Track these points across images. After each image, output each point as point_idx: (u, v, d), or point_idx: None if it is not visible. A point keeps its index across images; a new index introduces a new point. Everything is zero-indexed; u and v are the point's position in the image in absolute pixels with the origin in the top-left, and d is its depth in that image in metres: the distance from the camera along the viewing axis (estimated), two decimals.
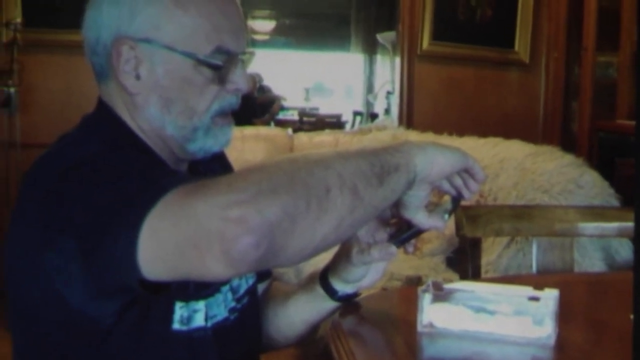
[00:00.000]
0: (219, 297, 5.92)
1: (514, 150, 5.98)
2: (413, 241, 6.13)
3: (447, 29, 5.85)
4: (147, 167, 5.65)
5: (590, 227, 6.44)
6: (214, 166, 6.12)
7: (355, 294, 6.27)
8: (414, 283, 6.15)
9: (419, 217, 5.95)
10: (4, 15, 5.67)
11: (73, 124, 5.91)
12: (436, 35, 5.76)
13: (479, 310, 6.27)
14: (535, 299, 6.29)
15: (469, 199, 6.20)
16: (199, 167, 6.05)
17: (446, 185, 5.99)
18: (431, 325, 6.27)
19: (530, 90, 6.77)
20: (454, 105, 6.67)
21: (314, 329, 6.24)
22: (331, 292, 6.18)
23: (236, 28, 6.04)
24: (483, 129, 6.21)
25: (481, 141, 5.93)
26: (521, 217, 6.39)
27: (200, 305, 5.90)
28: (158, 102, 5.84)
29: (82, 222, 5.37)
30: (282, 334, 6.34)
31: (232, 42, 5.99)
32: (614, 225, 6.42)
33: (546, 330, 6.23)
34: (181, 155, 5.93)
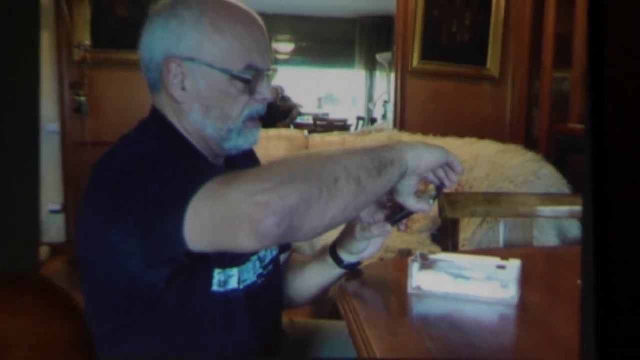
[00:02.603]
0: (249, 265, 6.00)
1: (486, 149, 5.99)
2: (405, 221, 6.22)
3: (432, 51, 5.82)
4: (191, 162, 5.85)
5: (547, 210, 6.47)
6: (245, 161, 6.17)
7: (358, 263, 6.34)
8: (405, 254, 6.18)
9: (410, 202, 6.09)
10: (76, 38, 5.66)
11: (132, 127, 5.97)
12: (424, 56, 5.73)
13: (457, 276, 6.32)
14: (502, 267, 6.35)
15: (449, 188, 6.26)
16: (232, 161, 6.08)
17: (431, 176, 6.12)
18: (419, 288, 6.32)
19: (499, 100, 6.71)
20: (438, 112, 6.62)
21: (325, 291, 6.27)
22: (339, 262, 6.26)
23: (263, 49, 6.16)
24: (461, 131, 6.18)
25: (460, 141, 5.93)
26: (491, 202, 6.42)
27: (234, 271, 6.02)
28: (200, 109, 5.95)
29: (139, 207, 5.54)
30: (299, 295, 6.37)
31: (260, 60, 6.08)
32: (566, 209, 6.44)
33: (511, 293, 6.29)
34: (218, 152, 6.02)
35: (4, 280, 2.49)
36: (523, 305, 6.39)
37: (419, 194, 6.13)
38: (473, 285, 6.34)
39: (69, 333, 2.47)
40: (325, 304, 6.09)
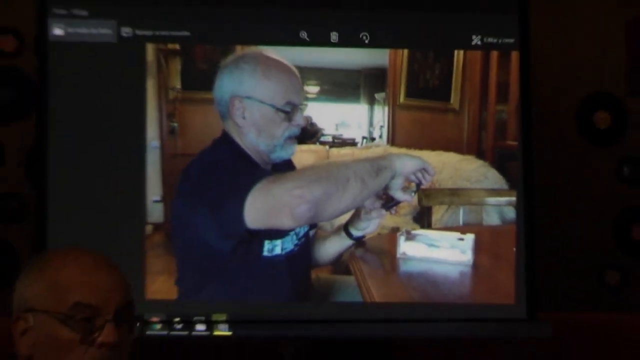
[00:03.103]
0: (288, 237, 6.09)
1: (450, 158, 6.06)
2: (394, 207, 6.29)
3: (413, 91, 5.91)
4: (248, 167, 6.05)
5: (492, 200, 6.56)
6: (285, 167, 6.20)
7: (363, 237, 6.34)
8: (395, 231, 6.22)
9: (398, 194, 6.23)
10: (170, 83, 5.76)
11: (207, 144, 6.04)
12: (407, 95, 5.82)
13: (430, 245, 6.42)
14: (461, 239, 6.43)
15: (425, 185, 6.33)
16: (277, 167, 6.13)
17: (412, 177, 6.24)
18: (404, 254, 6.40)
19: (459, 125, 6.75)
20: (417, 133, 6.67)
21: (340, 255, 6.26)
22: (349, 235, 6.29)
23: (297, 90, 6.30)
24: (433, 146, 6.24)
25: (432, 153, 6.00)
26: (454, 195, 6.51)
27: (278, 242, 6.10)
28: (254, 132, 6.03)
29: (213, 198, 5.89)
30: (322, 259, 6.35)
31: (295, 98, 6.20)
32: (505, 199, 6.53)
33: (467, 257, 6.41)
34: (267, 161, 6.09)
35: (70, 249, 2.54)
36: (475, 265, 6.46)
37: (404, 189, 6.23)
38: (441, 251, 6.43)
39: (109, 280, 2.50)
40: (340, 264, 6.13)
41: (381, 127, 6.55)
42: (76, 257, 2.55)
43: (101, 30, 6.32)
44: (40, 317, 2.39)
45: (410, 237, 6.44)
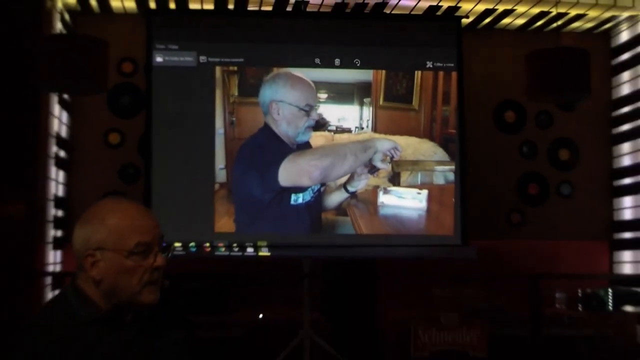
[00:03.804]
0: (308, 191, 6.04)
1: (412, 141, 5.87)
2: (376, 172, 6.10)
3: (389, 97, 5.78)
4: (281, 146, 5.95)
5: (439, 168, 6.37)
6: (305, 146, 6.01)
7: (355, 191, 6.16)
8: (376, 188, 6.03)
9: (379, 164, 6.19)
10: (230, 92, 5.61)
11: (254, 131, 5.91)
12: (385, 99, 5.69)
13: (399, 197, 6.20)
14: (419, 193, 6.21)
15: (396, 158, 6.13)
16: (300, 146, 5.98)
17: (388, 153, 6.15)
18: (382, 203, 6.21)
19: (418, 119, 6.53)
20: (392, 124, 6.46)
21: (341, 204, 6.10)
22: (347, 190, 6.17)
23: (314, 96, 6.20)
24: (401, 133, 6.08)
25: (401, 137, 5.83)
26: (415, 164, 6.31)
27: (300, 195, 6.04)
28: (285, 123, 5.99)
29: (259, 166, 5.88)
30: (329, 206, 6.18)
31: (312, 101, 6.14)
32: (447, 167, 6.31)
33: (423, 205, 6.18)
34: (293, 142, 6.00)
35: (115, 201, 2.30)
36: (428, 210, 6.29)
37: (383, 160, 6.13)
38: (406, 201, 6.27)
39: (151, 222, 2.26)
40: (341, 209, 5.93)
41: (367, 120, 6.34)
42: (125, 207, 2.32)
43: (186, 58, 6.26)
44: (108, 254, 2.23)
45: (386, 192, 6.30)
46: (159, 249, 2.29)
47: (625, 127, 7.66)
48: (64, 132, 7.20)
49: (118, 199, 2.36)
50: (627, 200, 7.64)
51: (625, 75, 7.69)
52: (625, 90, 7.68)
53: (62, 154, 7.15)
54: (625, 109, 7.66)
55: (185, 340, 2.42)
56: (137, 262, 2.23)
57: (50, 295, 6.85)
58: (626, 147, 7.66)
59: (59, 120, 7.08)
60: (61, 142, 7.11)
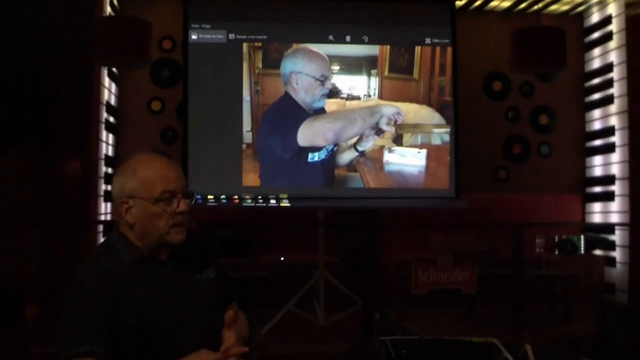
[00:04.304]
0: (322, 151, 5.94)
1: (413, 107, 5.79)
2: (382, 134, 6.11)
3: (393, 69, 5.69)
4: (300, 112, 5.88)
5: (436, 130, 6.30)
6: (320, 111, 5.96)
7: (364, 151, 6.08)
8: (382, 147, 5.96)
9: (384, 127, 6.11)
10: (255, 65, 5.56)
11: (277, 99, 5.85)
12: (389, 71, 5.60)
13: (402, 155, 6.11)
14: (419, 152, 6.12)
15: (399, 122, 6.06)
16: (316, 111, 5.96)
17: (392, 117, 6.06)
18: (387, 161, 6.11)
19: (418, 88, 6.41)
20: (395, 92, 6.34)
21: (351, 161, 6.04)
22: (356, 150, 6.09)
23: (328, 68, 6.10)
24: (404, 100, 6.00)
25: (403, 104, 5.74)
26: (415, 127, 6.23)
27: (316, 153, 5.95)
28: (304, 92, 5.95)
29: (279, 129, 5.79)
30: (341, 163, 6.09)
31: (326, 72, 6.05)
32: (443, 130, 6.27)
33: (422, 162, 6.08)
34: (310, 108, 5.94)
35: (147, 155, 2.32)
36: (427, 167, 6.20)
37: (388, 124, 6.05)
38: (408, 159, 6.18)
39: (176, 173, 2.27)
40: (351, 166, 5.86)
41: (374, 89, 6.24)
42: (152, 160, 2.34)
43: (218, 36, 6.17)
44: (138, 201, 2.27)
45: (390, 151, 6.20)
46: (182, 196, 2.30)
47: (596, 95, 7.68)
48: (112, 101, 7.22)
49: (148, 153, 2.37)
50: (598, 159, 7.65)
51: (596, 51, 7.71)
52: (596, 64, 7.69)
53: (111, 119, 7.15)
54: (596, 80, 7.68)
55: (216, 278, 2.41)
56: (162, 207, 2.27)
57: (102, 240, 6.87)
58: (597, 113, 7.67)
59: (109, 91, 7.08)
60: (110, 109, 7.11)
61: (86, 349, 2.06)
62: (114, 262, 2.26)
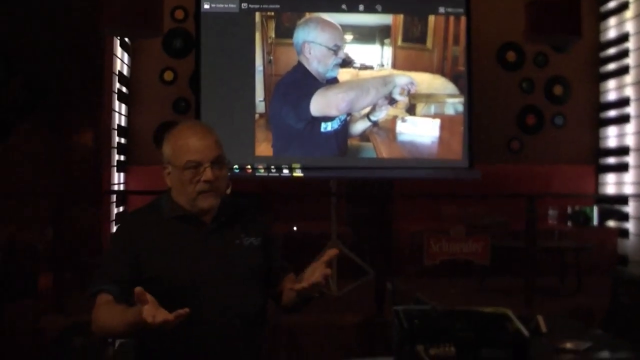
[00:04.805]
0: (335, 120, 5.90)
1: (426, 77, 5.74)
2: (395, 104, 6.14)
3: (406, 38, 5.65)
4: (312, 81, 5.87)
5: (449, 100, 6.30)
6: (333, 81, 5.94)
7: (377, 120, 6.08)
8: (395, 117, 5.92)
9: (397, 97, 6.10)
10: (268, 34, 5.53)
11: (289, 69, 5.83)
12: (403, 40, 5.56)
13: (415, 125, 6.06)
14: (432, 122, 6.06)
15: (412, 91, 6.04)
16: (329, 81, 5.91)
17: (405, 87, 6.07)
18: (400, 130, 6.06)
19: (431, 58, 6.37)
20: (409, 61, 6.27)
21: (364, 131, 6.04)
22: (369, 119, 6.09)
23: (341, 37, 6.04)
24: (417, 69, 5.94)
25: (416, 73, 5.67)
26: (429, 97, 6.20)
27: (329, 123, 5.93)
28: (316, 61, 5.94)
29: (292, 98, 5.85)
30: (354, 133, 6.08)
31: (339, 42, 6.00)
32: (457, 100, 6.26)
33: (436, 133, 6.04)
34: (323, 77, 5.95)
35: (187, 123, 2.49)
36: (440, 137, 6.16)
37: (401, 93, 6.03)
38: (421, 129, 6.13)
39: (204, 142, 2.40)
40: (364, 136, 5.87)
41: (387, 58, 6.21)
42: (186, 129, 2.47)
43: (230, 5, 6.12)
44: (172, 168, 2.45)
45: (403, 121, 6.15)
46: (209, 165, 2.40)
47: (611, 66, 7.63)
48: (125, 71, 7.22)
49: (187, 123, 2.53)
50: (612, 130, 7.61)
51: (612, 20, 7.63)
52: (612, 34, 7.63)
53: (123, 89, 7.16)
54: (611, 50, 7.62)
55: (261, 246, 2.51)
56: (189, 175, 2.39)
57: (115, 210, 7.03)
58: (612, 83, 7.64)
59: (121, 61, 7.09)
60: (123, 80, 7.12)
61: (104, 287, 2.32)
62: (152, 217, 2.47)
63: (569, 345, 3.33)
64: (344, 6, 6.17)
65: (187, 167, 2.38)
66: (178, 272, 2.35)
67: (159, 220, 2.45)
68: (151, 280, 2.32)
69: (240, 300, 2.34)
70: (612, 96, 7.61)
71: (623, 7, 7.39)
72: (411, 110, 6.18)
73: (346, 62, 6.03)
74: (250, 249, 2.46)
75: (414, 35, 6.35)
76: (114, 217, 6.87)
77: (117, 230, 2.51)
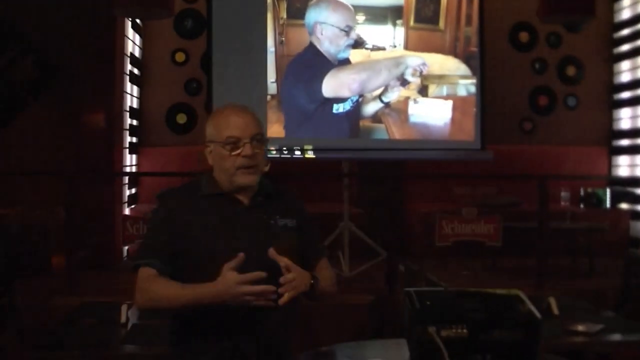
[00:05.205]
0: (347, 101, 5.87)
1: (438, 58, 5.70)
2: (407, 85, 6.08)
3: (418, 19, 5.61)
4: (324, 62, 5.78)
5: (462, 81, 6.27)
6: (345, 62, 5.92)
7: (389, 102, 6.04)
8: (407, 98, 5.90)
9: (409, 77, 6.04)
10: (280, 14, 5.48)
11: (301, 50, 5.81)
12: (415, 21, 5.52)
13: (427, 107, 6.01)
14: (445, 103, 6.05)
15: (424, 72, 6.01)
16: (340, 62, 5.87)
17: (417, 68, 6.05)
18: (412, 112, 6.01)
19: (444, 39, 6.31)
20: (421, 42, 6.23)
21: (376, 112, 5.98)
22: (382, 101, 6.06)
23: (353, 18, 5.98)
24: (429, 51, 5.91)
25: (428, 54, 5.65)
26: (441, 78, 6.20)
27: (341, 104, 5.88)
28: (328, 42, 5.86)
29: (304, 79, 5.78)
30: (366, 114, 6.04)
31: (351, 23, 5.93)
32: (469, 81, 6.24)
33: (448, 114, 6.01)
34: (335, 58, 5.87)
35: (227, 106, 2.55)
36: (452, 119, 6.13)
37: (413, 74, 5.97)
38: (433, 110, 6.08)
39: (244, 120, 2.49)
40: (376, 117, 5.84)
41: (399, 39, 6.15)
42: (227, 108, 2.55)
43: None
44: (213, 145, 2.50)
45: (415, 102, 6.11)
46: (249, 142, 2.46)
47: (625, 47, 7.58)
48: (137, 52, 7.23)
49: (230, 104, 2.60)
50: (625, 112, 7.59)
51: (626, 1, 7.57)
52: (626, 14, 7.58)
53: (135, 71, 7.17)
54: (625, 31, 7.57)
55: (297, 229, 2.54)
56: (229, 150, 2.45)
57: (127, 192, 7.08)
58: (625, 64, 7.59)
59: (132, 42, 7.10)
60: (134, 61, 7.12)
61: (146, 261, 2.40)
62: (190, 194, 2.53)
63: (580, 327, 3.33)
64: None
65: (227, 143, 2.44)
66: (211, 247, 2.40)
67: (197, 197, 2.51)
68: (184, 253, 2.40)
69: (275, 280, 2.31)
70: (625, 77, 7.57)
71: None
72: (423, 91, 6.13)
73: (358, 43, 5.99)
74: (284, 230, 2.50)
75: (426, 16, 6.30)
76: (126, 199, 6.90)
77: (156, 207, 2.55)
